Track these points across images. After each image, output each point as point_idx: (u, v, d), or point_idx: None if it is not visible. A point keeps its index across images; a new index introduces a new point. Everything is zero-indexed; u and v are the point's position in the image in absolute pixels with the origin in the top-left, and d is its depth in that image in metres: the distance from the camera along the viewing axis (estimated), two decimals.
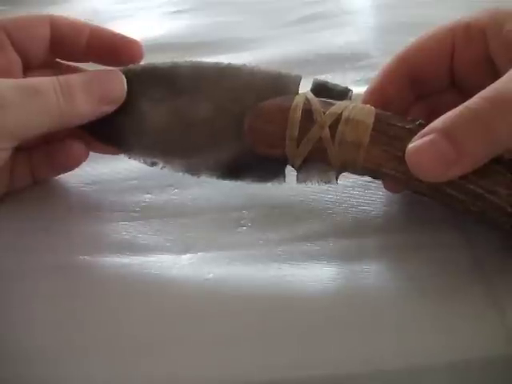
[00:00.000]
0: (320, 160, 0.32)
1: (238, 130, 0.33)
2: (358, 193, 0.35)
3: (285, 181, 0.33)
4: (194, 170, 0.34)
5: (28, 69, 0.36)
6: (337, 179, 0.32)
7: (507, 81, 0.28)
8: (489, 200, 0.29)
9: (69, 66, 0.37)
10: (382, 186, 0.35)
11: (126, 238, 0.34)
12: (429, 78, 0.33)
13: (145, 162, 0.35)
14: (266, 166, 0.33)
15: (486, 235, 0.32)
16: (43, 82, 0.32)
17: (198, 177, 0.34)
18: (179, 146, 0.34)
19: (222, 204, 0.35)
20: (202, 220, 0.35)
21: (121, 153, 0.35)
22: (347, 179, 0.36)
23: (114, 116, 0.34)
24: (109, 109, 0.34)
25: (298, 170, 0.33)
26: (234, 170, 0.34)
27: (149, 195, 0.36)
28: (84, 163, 0.38)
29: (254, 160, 0.33)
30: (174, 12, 0.53)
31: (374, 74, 0.35)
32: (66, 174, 0.37)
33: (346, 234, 0.33)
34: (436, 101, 0.34)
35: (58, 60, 0.37)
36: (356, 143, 0.31)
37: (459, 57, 0.33)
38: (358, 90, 0.34)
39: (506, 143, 0.28)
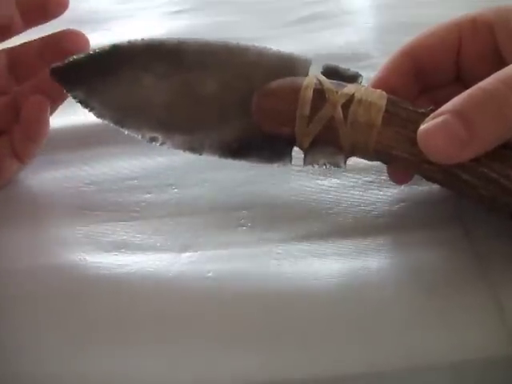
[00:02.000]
0: (329, 141, 0.31)
1: (244, 108, 0.33)
2: (358, 193, 0.35)
3: (291, 163, 0.33)
4: (196, 147, 0.33)
5: None
6: (345, 163, 0.32)
7: None
8: (501, 184, 0.29)
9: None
10: (382, 185, 0.35)
11: (125, 238, 0.34)
12: (434, 72, 0.33)
13: (143, 137, 0.34)
14: (273, 147, 0.33)
15: (488, 235, 0.32)
16: None
17: (200, 154, 0.33)
18: (182, 121, 0.34)
19: (222, 203, 0.35)
20: (202, 219, 0.35)
21: (119, 127, 0.34)
22: (347, 179, 0.36)
23: (115, 90, 0.34)
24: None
25: (306, 151, 0.32)
26: (238, 149, 0.33)
27: (149, 195, 0.36)
28: (84, 163, 0.38)
29: (260, 140, 0.33)
30: (174, 12, 0.53)
31: (374, 74, 0.35)
32: (65, 173, 0.37)
33: (346, 234, 0.33)
34: (440, 94, 0.34)
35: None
36: (369, 124, 0.30)
37: (466, 50, 0.33)
38: None
39: None
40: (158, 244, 0.33)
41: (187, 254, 0.33)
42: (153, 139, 0.34)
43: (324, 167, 0.31)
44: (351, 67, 0.33)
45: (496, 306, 0.29)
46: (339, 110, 0.31)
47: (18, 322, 0.30)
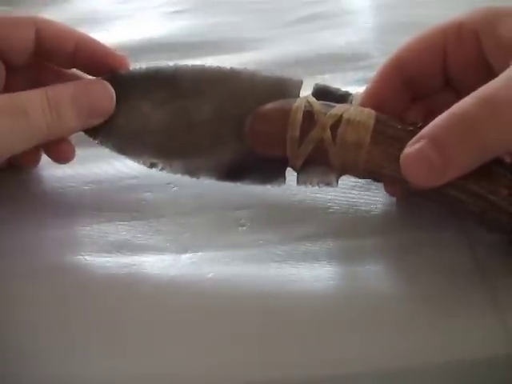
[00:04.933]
0: (321, 162, 0.32)
1: (238, 132, 0.33)
2: (357, 193, 0.35)
3: (285, 183, 0.33)
4: (193, 172, 0.34)
5: (11, 70, 0.35)
6: (337, 181, 0.32)
7: (497, 85, 0.28)
8: (489, 200, 0.29)
9: (52, 68, 0.37)
10: (382, 186, 0.35)
11: (125, 238, 0.34)
12: (422, 79, 0.33)
13: (143, 164, 0.35)
14: (267, 168, 0.33)
15: (486, 236, 0.32)
16: (31, 100, 0.32)
17: (198, 178, 0.34)
18: (179, 147, 0.34)
19: (221, 203, 0.35)
20: (202, 219, 0.35)
21: (121, 154, 0.35)
22: (347, 180, 0.35)
23: (114, 118, 0.35)
24: (97, 122, 0.34)
25: (299, 171, 0.33)
26: (234, 172, 0.34)
27: (148, 194, 0.36)
28: (83, 163, 0.38)
29: (254, 162, 0.33)
30: (174, 12, 0.53)
31: (374, 74, 0.35)
32: (65, 172, 0.38)
33: (346, 234, 0.33)
34: (434, 101, 0.34)
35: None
36: (357, 144, 0.31)
37: (452, 57, 0.32)
38: (359, 89, 0.34)
39: (498, 148, 0.28)
40: (159, 244, 0.33)
41: (187, 255, 0.33)
42: (153, 165, 0.35)
43: (317, 186, 0.32)
44: (351, 67, 0.34)
45: (495, 306, 0.29)
46: (328, 131, 0.31)
47: (19, 322, 0.30)
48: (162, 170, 0.35)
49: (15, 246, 0.34)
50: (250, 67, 0.35)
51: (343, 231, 0.33)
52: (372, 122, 0.31)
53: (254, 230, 0.34)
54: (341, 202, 0.35)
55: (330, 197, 0.35)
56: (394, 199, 0.35)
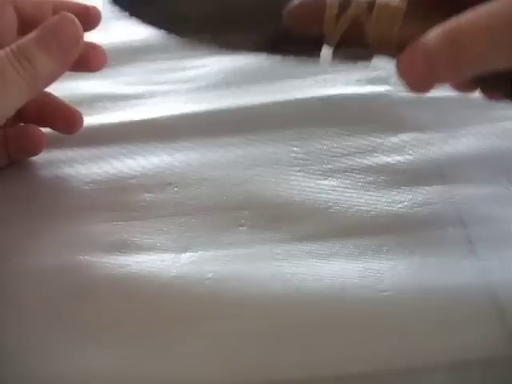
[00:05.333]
0: (356, 39, 0.32)
1: (278, 14, 0.33)
2: (357, 193, 0.35)
3: (319, 61, 0.33)
4: (230, 46, 0.34)
5: None
6: (372, 57, 0.32)
7: (494, 6, 0.28)
8: None
9: None
10: (382, 186, 0.35)
11: (125, 238, 0.34)
12: None
13: (191, 40, 0.34)
14: (304, 45, 0.33)
15: (488, 236, 0.32)
16: None
17: (233, 52, 0.34)
18: (219, 25, 0.34)
19: (221, 203, 0.35)
20: (202, 219, 0.35)
21: (167, 32, 0.34)
22: (347, 180, 0.36)
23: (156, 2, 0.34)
24: (75, 52, 0.34)
25: (335, 48, 0.33)
26: (272, 45, 0.34)
27: (149, 194, 0.36)
28: (83, 162, 0.38)
29: (292, 38, 0.33)
30: None
31: (374, 74, 0.35)
32: (65, 172, 0.37)
33: (346, 235, 0.33)
34: None
35: None
36: (392, 16, 0.31)
37: None
38: (360, 89, 0.34)
39: (482, 67, 0.28)
40: (159, 244, 0.33)
41: (187, 254, 0.33)
42: (201, 40, 0.34)
43: (352, 62, 0.32)
44: (351, 67, 0.34)
45: (496, 306, 0.29)
46: (364, 7, 0.32)
47: (19, 322, 0.30)
48: (208, 44, 0.34)
49: (15, 246, 0.34)
50: (251, 67, 0.35)
51: (343, 231, 0.33)
52: (405, 3, 0.31)
53: (255, 230, 0.34)
54: (341, 202, 0.35)
55: (330, 196, 0.35)
56: (393, 200, 0.35)
